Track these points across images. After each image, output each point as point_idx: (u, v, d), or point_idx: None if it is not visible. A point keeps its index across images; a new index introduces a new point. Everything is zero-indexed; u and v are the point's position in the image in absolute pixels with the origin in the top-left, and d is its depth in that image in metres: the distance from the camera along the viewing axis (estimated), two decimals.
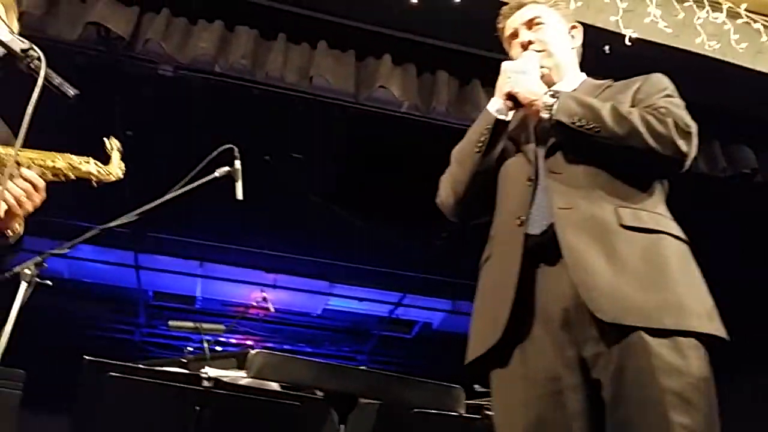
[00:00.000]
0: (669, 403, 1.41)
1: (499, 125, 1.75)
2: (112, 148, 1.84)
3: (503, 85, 1.74)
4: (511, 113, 1.76)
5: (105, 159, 1.81)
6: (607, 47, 3.27)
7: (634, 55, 3.21)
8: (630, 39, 3.23)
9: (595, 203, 1.60)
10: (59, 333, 6.75)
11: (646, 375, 1.44)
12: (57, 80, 1.31)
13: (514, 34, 1.92)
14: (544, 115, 1.67)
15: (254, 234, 5.60)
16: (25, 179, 1.63)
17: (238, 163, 2.42)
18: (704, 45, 3.35)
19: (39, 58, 1.28)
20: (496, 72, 3.54)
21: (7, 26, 1.86)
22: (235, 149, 2.40)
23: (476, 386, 2.89)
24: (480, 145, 1.75)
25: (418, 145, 4.12)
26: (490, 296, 1.70)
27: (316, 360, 2.52)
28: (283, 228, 5.46)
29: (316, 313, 7.35)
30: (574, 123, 1.62)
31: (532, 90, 1.70)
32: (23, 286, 2.26)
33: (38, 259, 2.33)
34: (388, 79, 3.43)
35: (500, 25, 1.98)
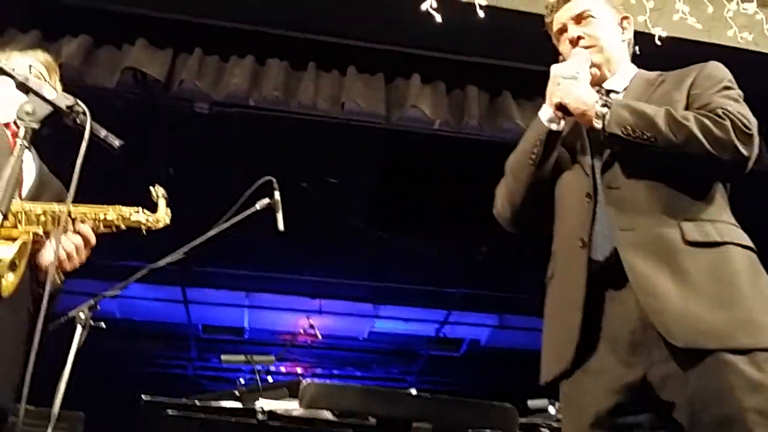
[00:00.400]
0: (752, 422, 1.36)
1: (552, 135, 1.69)
2: (158, 196, 1.90)
3: (552, 93, 1.68)
4: (563, 121, 1.70)
5: (151, 205, 1.86)
6: (636, 48, 3.24)
7: (664, 54, 3.16)
8: (659, 38, 3.19)
9: (658, 220, 1.55)
10: (115, 372, 6.90)
11: (725, 394, 1.40)
12: (102, 133, 1.36)
13: (563, 29, 1.84)
14: (597, 125, 1.60)
15: (297, 261, 5.65)
16: (80, 234, 1.69)
17: (277, 195, 2.47)
18: (737, 38, 3.29)
19: (84, 113, 1.32)
20: (526, 83, 3.55)
21: (51, 86, 1.96)
22: (274, 181, 2.45)
23: (529, 403, 2.85)
24: (533, 156, 1.70)
25: (452, 161, 4.13)
26: (557, 319, 1.67)
27: (367, 386, 2.53)
28: (325, 253, 5.50)
29: (363, 336, 7.36)
30: (628, 135, 1.55)
31: (583, 99, 1.62)
32: (78, 329, 2.34)
33: (91, 302, 2.41)
34: (418, 98, 3.45)
35: (548, 20, 1.90)
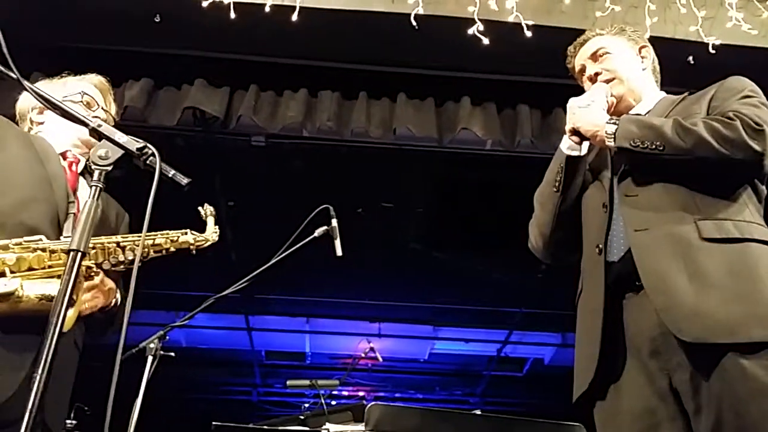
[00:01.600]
0: None
1: (572, 162, 1.75)
2: (206, 215, 1.97)
3: (568, 121, 1.77)
4: (584, 148, 1.76)
5: (201, 226, 1.93)
6: (690, 58, 3.19)
7: (720, 62, 3.11)
8: (713, 46, 3.13)
9: (673, 219, 1.56)
10: (181, 400, 7.08)
11: (743, 401, 1.38)
12: (171, 172, 1.42)
13: (582, 69, 1.95)
14: (609, 143, 1.65)
15: (355, 286, 5.71)
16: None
17: (334, 222, 2.53)
18: None
19: (153, 155, 1.39)
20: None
21: (109, 113, 2.06)
22: (331, 209, 2.51)
23: None
24: (557, 184, 1.76)
25: (506, 180, 4.12)
26: (584, 331, 1.68)
27: (431, 407, 2.53)
28: (383, 276, 5.54)
29: (423, 358, 7.33)
30: (636, 146, 1.59)
31: (593, 122, 1.70)
32: (149, 360, 2.43)
33: (161, 333, 2.51)
34: (469, 121, 3.48)
35: (569, 65, 2.01)
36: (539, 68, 3.46)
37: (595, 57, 1.91)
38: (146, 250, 1.82)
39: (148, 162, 1.39)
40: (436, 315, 6.37)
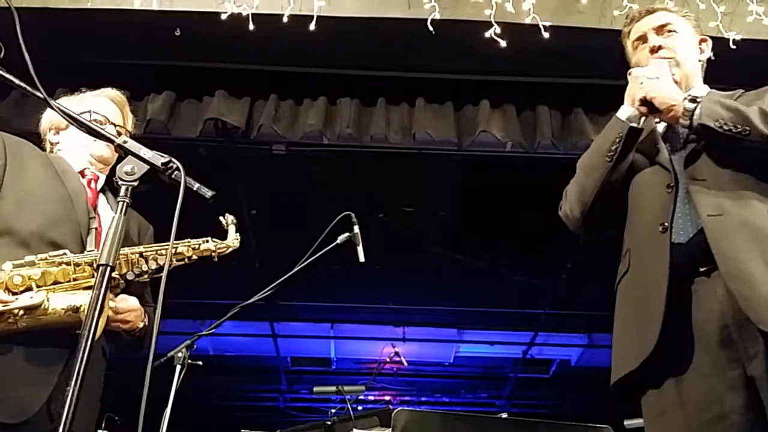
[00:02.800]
0: None
1: (633, 133, 1.69)
2: (228, 223, 2.00)
3: (636, 91, 1.69)
4: (642, 121, 1.71)
5: (224, 234, 1.96)
6: (711, 54, 3.16)
7: (741, 57, 3.07)
8: (734, 41, 3.10)
9: (747, 207, 1.53)
10: (209, 407, 7.14)
11: None
12: (195, 185, 1.45)
13: (642, 38, 1.87)
14: (684, 121, 1.61)
15: (379, 290, 5.72)
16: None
17: (356, 228, 2.54)
18: None
19: (178, 169, 1.42)
20: (597, 98, 3.51)
21: (125, 127, 2.09)
22: (353, 216, 2.53)
23: (626, 423, 2.78)
24: (611, 154, 1.69)
25: (527, 181, 4.11)
26: (635, 312, 1.61)
27: (457, 411, 2.53)
28: (406, 281, 5.54)
29: (448, 361, 7.32)
30: (721, 127, 1.55)
31: (671, 95, 1.64)
32: (177, 369, 2.47)
33: (188, 342, 2.54)
34: (488, 123, 3.48)
35: (627, 29, 1.94)
36: (558, 69, 3.45)
37: (661, 30, 1.84)
38: (170, 259, 1.84)
39: (173, 176, 1.41)
40: (460, 318, 6.36)
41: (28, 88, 1.53)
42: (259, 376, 7.51)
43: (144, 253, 1.84)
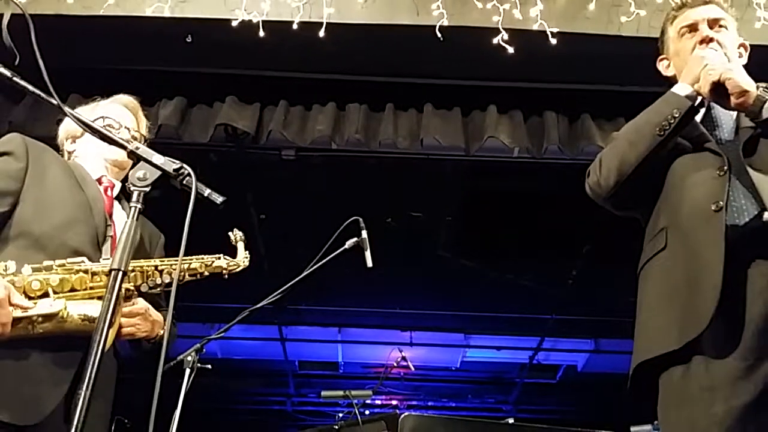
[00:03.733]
0: None
1: (691, 112, 1.65)
2: (236, 240, 2.03)
3: (707, 72, 1.63)
4: (698, 101, 1.67)
5: (233, 249, 1.99)
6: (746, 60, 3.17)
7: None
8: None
9: None
10: (217, 411, 7.16)
11: None
12: (206, 191, 1.46)
13: (692, 27, 1.83)
14: (754, 108, 1.58)
15: (386, 295, 5.73)
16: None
17: (364, 233, 2.56)
18: None
19: (190, 175, 1.43)
20: (605, 103, 3.52)
21: (139, 131, 2.12)
22: (361, 221, 2.54)
23: (633, 429, 2.78)
24: (665, 127, 1.64)
25: (535, 187, 4.13)
26: (680, 291, 1.56)
27: (464, 416, 2.54)
28: (413, 285, 5.56)
29: (455, 366, 7.32)
30: None
31: (747, 81, 1.59)
32: (187, 372, 2.49)
33: (198, 345, 2.57)
34: (496, 129, 3.49)
35: (674, 13, 1.91)
36: (565, 75, 3.47)
37: (714, 23, 1.82)
38: (182, 273, 1.88)
39: (184, 182, 1.44)
40: (467, 323, 6.36)
41: (43, 94, 1.56)
42: (267, 379, 7.53)
43: (159, 267, 1.86)
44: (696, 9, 1.85)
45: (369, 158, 3.72)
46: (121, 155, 2.00)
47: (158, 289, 1.86)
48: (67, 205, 1.83)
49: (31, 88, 1.53)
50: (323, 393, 3.65)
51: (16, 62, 1.51)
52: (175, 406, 2.31)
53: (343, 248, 2.57)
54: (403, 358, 6.95)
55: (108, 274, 1.74)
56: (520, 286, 5.38)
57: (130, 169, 2.06)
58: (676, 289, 1.57)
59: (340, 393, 3.35)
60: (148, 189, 1.47)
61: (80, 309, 1.69)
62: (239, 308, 2.56)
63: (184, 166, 1.44)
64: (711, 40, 1.77)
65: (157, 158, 1.49)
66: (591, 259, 4.73)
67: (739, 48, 1.87)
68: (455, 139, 3.50)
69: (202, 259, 1.93)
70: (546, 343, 6.63)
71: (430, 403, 7.93)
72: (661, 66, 1.97)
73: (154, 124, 3.42)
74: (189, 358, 2.50)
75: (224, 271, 1.96)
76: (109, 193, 1.98)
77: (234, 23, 3.12)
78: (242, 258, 2.00)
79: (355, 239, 2.58)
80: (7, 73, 1.49)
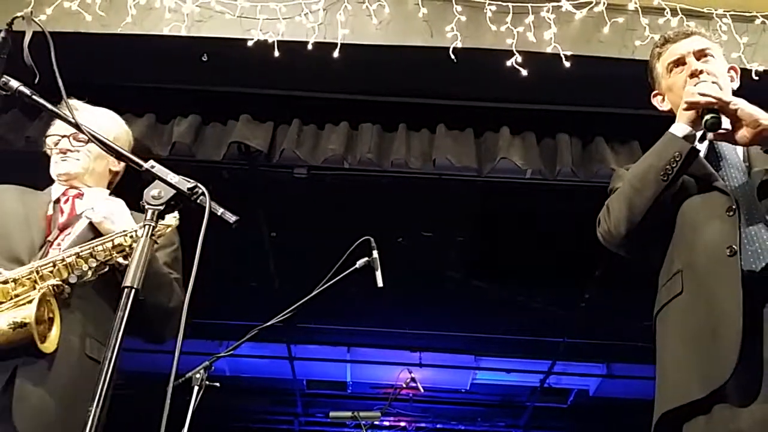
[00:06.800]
0: None
1: (693, 153, 1.64)
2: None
3: (724, 103, 1.60)
4: (704, 144, 1.67)
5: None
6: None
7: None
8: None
9: None
10: (226, 429, 7.13)
11: None
12: (219, 210, 1.47)
13: (679, 62, 1.83)
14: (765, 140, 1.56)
15: (396, 315, 5.71)
16: None
17: (375, 253, 2.56)
18: None
19: (203, 194, 1.45)
20: (619, 126, 3.52)
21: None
22: (372, 240, 2.54)
23: None
24: (668, 171, 1.63)
25: (547, 209, 4.11)
26: (700, 339, 1.54)
27: None
28: (423, 306, 5.53)
29: (465, 388, 7.25)
30: None
31: (758, 110, 1.58)
32: (195, 390, 2.48)
33: (206, 363, 2.56)
34: (508, 150, 3.49)
35: (659, 50, 1.91)
36: (578, 97, 3.47)
37: (700, 54, 1.82)
38: (109, 253, 1.88)
39: (198, 201, 1.45)
40: (477, 345, 6.31)
41: (60, 113, 1.58)
42: (275, 398, 7.49)
43: (80, 253, 1.87)
44: (680, 43, 1.85)
45: (381, 178, 3.72)
46: (56, 169, 2.11)
47: (90, 275, 1.86)
48: (10, 220, 1.97)
49: (49, 106, 1.55)
50: (331, 414, 3.63)
51: (36, 81, 1.53)
52: (183, 424, 2.30)
53: (353, 268, 2.57)
54: (413, 379, 6.90)
55: (30, 277, 1.81)
56: (531, 308, 5.34)
57: (123, 177, 2.18)
58: (696, 336, 1.56)
59: (349, 414, 3.33)
60: (162, 208, 1.49)
61: (9, 318, 1.73)
62: (249, 325, 2.55)
63: (198, 185, 1.45)
64: (701, 72, 1.76)
65: (172, 177, 1.50)
66: (603, 283, 4.69)
67: (729, 72, 1.86)
68: (468, 159, 3.50)
69: (124, 232, 1.92)
70: (557, 366, 6.56)
71: (438, 426, 7.84)
72: (656, 101, 1.96)
73: (168, 141, 3.47)
74: (197, 376, 2.49)
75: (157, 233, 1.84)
76: (68, 201, 2.07)
77: (249, 43, 3.15)
78: (170, 218, 1.96)
79: (366, 259, 2.58)
80: (27, 91, 1.52)
